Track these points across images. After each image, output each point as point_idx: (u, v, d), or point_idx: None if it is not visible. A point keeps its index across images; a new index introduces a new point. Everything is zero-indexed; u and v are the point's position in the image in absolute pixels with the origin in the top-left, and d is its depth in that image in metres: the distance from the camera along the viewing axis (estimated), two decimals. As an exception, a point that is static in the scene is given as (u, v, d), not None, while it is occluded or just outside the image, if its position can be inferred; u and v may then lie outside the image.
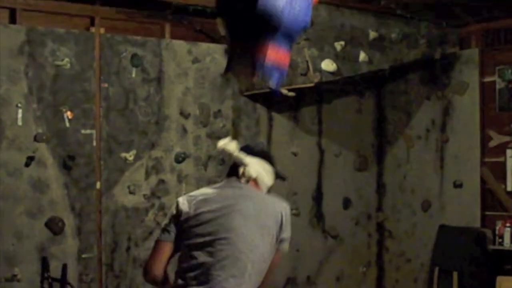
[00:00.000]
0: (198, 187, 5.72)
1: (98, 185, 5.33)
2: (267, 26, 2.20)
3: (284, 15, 2.19)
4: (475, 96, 6.03)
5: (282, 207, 2.94)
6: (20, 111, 5.02)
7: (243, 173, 3.04)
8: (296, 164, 6.27)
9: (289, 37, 2.30)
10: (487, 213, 5.97)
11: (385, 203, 6.79)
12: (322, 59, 5.40)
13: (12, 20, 5.16)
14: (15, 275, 4.96)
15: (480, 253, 5.86)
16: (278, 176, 3.18)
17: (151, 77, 5.58)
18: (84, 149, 5.27)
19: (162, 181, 5.61)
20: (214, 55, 5.85)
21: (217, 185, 3.05)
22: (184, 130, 5.72)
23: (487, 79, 5.99)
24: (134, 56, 5.49)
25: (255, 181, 3.07)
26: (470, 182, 6.04)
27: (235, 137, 5.63)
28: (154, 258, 2.91)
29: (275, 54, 2.26)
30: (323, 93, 6.39)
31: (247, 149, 3.09)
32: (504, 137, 5.87)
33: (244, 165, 3.05)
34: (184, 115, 5.71)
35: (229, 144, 3.05)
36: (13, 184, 4.99)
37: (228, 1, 2.31)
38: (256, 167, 3.06)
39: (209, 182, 5.41)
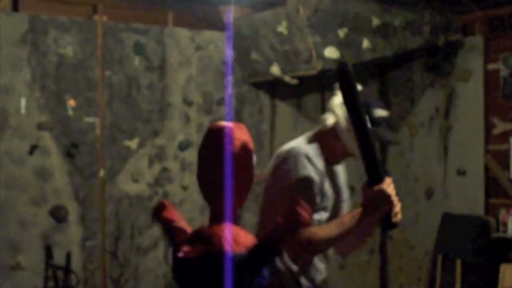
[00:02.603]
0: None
1: (101, 173, 5.33)
2: None
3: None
4: (479, 84, 5.99)
5: None
6: (23, 99, 5.02)
7: (321, 122, 2.42)
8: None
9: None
10: (490, 200, 5.95)
11: (388, 191, 6.76)
12: (325, 46, 5.39)
13: (15, 8, 5.15)
14: (19, 263, 4.98)
15: (484, 241, 5.84)
16: (381, 140, 2.41)
17: (154, 65, 5.57)
18: (88, 137, 5.28)
19: (165, 169, 5.61)
20: (217, 42, 5.83)
21: None
22: (187, 118, 5.72)
23: (491, 66, 5.95)
24: (137, 44, 5.49)
25: (334, 132, 2.43)
26: (473, 170, 6.02)
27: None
28: None
29: None
30: (326, 80, 6.37)
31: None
32: (508, 124, 5.84)
33: (329, 110, 2.41)
34: (187, 102, 5.71)
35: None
36: (17, 173, 5.00)
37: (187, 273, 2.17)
38: (339, 113, 2.40)
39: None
